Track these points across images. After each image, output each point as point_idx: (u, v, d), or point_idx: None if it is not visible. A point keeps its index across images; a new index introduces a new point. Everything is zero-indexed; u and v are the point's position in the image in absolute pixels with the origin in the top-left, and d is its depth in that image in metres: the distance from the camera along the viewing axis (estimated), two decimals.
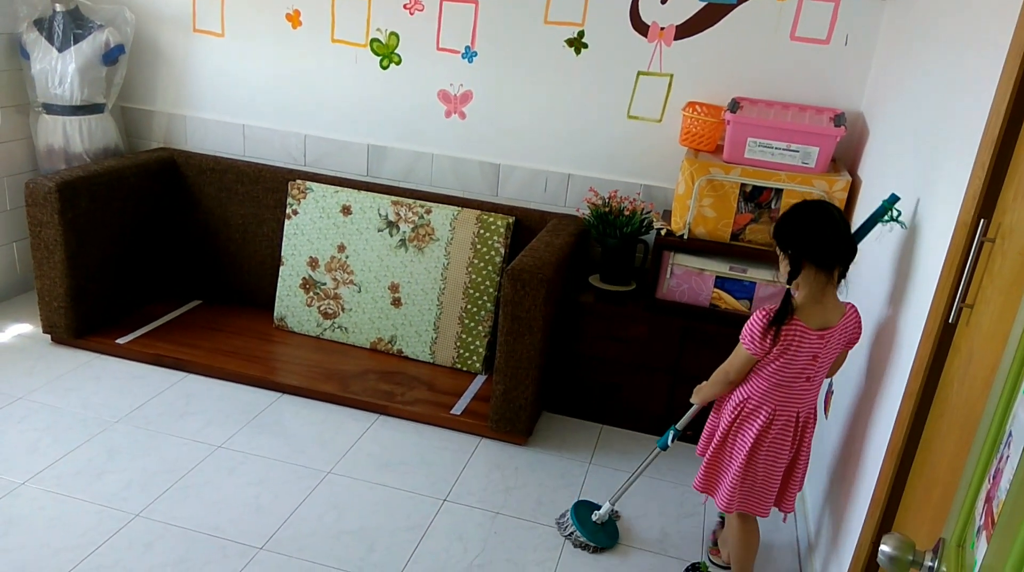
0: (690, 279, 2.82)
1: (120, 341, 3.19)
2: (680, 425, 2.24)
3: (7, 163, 3.47)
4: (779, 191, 2.66)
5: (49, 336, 3.22)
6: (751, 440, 1.96)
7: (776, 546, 2.46)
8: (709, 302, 2.82)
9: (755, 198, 2.69)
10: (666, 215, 2.99)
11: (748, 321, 1.91)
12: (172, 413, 2.84)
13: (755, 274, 2.76)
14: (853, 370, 2.24)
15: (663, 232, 2.81)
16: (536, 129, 3.25)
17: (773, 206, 2.68)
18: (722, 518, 2.43)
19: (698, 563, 2.32)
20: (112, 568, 2.11)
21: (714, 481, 2.10)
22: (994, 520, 0.85)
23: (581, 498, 2.55)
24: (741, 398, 1.98)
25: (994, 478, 0.89)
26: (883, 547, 0.99)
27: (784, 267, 1.87)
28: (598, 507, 2.44)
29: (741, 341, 1.91)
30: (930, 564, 0.96)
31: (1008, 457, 0.85)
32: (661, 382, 2.93)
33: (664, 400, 2.94)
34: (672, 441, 2.25)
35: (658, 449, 2.28)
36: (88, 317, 3.21)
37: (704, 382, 2.08)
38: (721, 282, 2.79)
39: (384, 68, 3.32)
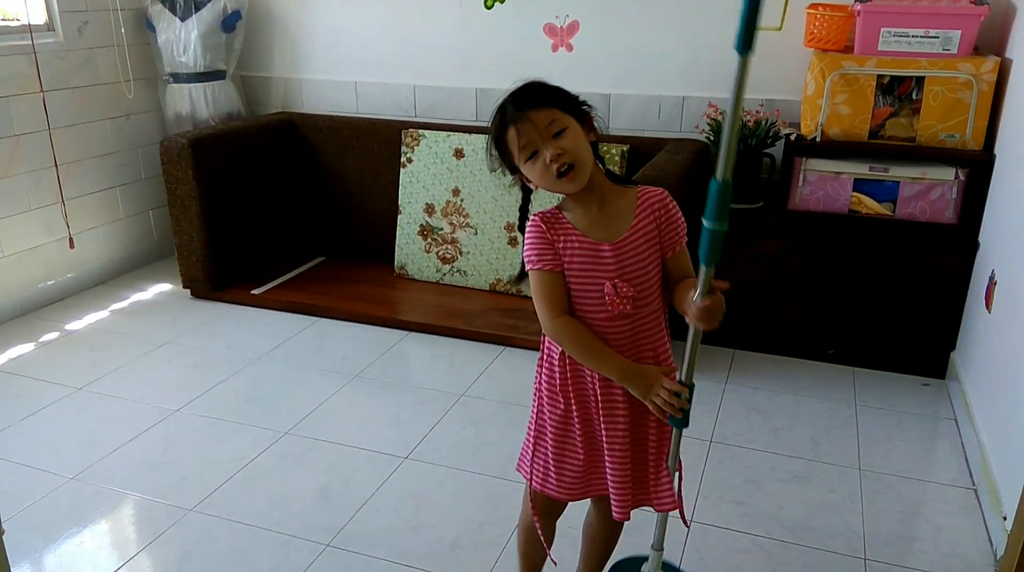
0: (825, 185, 2.68)
1: (255, 292, 3.31)
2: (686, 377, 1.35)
3: (139, 134, 3.66)
4: (920, 80, 2.49)
5: (189, 291, 3.37)
6: None
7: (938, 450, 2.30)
8: (848, 208, 2.67)
9: (893, 90, 2.52)
10: (793, 125, 2.85)
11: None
12: (308, 350, 2.91)
13: (898, 172, 2.58)
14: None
15: (793, 137, 2.67)
16: (646, 54, 3.17)
17: (915, 96, 2.51)
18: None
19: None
20: (267, 476, 2.18)
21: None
22: None
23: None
24: None
25: None
26: None
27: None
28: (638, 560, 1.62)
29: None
30: None
31: None
32: (797, 299, 2.78)
33: (801, 318, 2.79)
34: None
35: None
36: (223, 271, 3.35)
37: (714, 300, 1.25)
38: (860, 185, 2.63)
39: (489, 7, 3.32)
